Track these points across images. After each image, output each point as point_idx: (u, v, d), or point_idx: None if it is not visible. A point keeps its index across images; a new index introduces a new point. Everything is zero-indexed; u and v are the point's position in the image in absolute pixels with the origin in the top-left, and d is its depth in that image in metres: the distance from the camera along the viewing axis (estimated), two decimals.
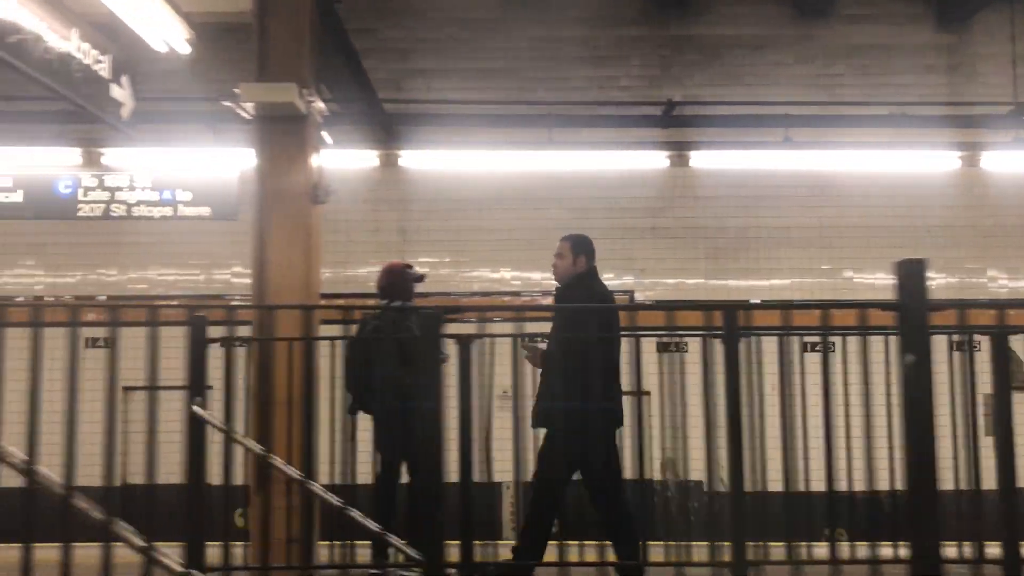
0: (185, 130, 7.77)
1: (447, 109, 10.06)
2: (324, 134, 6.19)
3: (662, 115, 9.64)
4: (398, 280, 5.45)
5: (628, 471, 4.66)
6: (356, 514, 4.51)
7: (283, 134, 5.78)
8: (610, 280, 10.27)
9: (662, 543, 4.54)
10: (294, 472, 4.46)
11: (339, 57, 7.09)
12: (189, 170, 7.42)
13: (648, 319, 6.42)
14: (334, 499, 4.39)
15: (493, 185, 10.27)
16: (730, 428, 4.33)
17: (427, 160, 10.27)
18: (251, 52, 5.96)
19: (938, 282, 10.39)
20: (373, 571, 4.83)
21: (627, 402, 4.66)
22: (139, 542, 2.76)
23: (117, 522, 2.83)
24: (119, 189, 7.23)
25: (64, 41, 3.87)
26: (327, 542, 4.89)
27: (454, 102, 10.09)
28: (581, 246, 4.89)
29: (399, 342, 5.20)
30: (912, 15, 10.59)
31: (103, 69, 4.23)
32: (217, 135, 7.62)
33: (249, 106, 5.62)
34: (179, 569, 2.77)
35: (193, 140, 7.76)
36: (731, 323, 4.56)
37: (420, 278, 5.56)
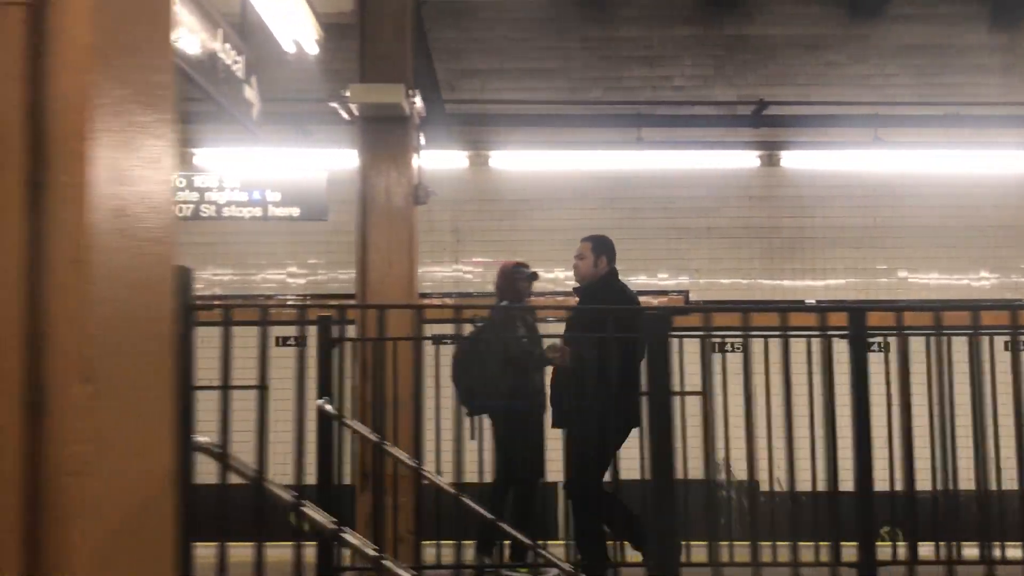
0: (274, 130, 7.75)
1: (502, 109, 10.06)
2: (421, 134, 6.19)
3: (752, 115, 9.62)
4: (508, 280, 5.45)
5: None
6: (481, 508, 4.51)
7: (386, 134, 5.76)
8: (664, 280, 10.38)
9: (786, 543, 4.53)
10: (412, 463, 4.47)
11: (420, 58, 7.08)
12: (278, 170, 7.40)
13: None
14: (450, 488, 4.40)
15: (547, 185, 10.25)
16: (857, 429, 4.32)
17: (481, 160, 10.27)
18: (345, 52, 5.95)
19: (991, 281, 10.44)
20: (486, 568, 4.84)
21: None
22: (371, 551, 2.75)
23: (345, 530, 2.82)
24: (208, 189, 7.20)
25: (212, 42, 3.86)
26: (429, 541, 4.90)
27: (508, 102, 10.08)
28: (602, 247, 4.88)
29: (504, 343, 5.19)
30: (966, 15, 10.60)
31: (239, 70, 4.22)
32: (305, 136, 7.64)
33: (353, 107, 5.60)
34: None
35: (282, 141, 7.75)
36: (859, 324, 4.58)
37: (533, 276, 5.56)
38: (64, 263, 1.26)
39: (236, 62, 4.20)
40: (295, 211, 7.25)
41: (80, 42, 1.36)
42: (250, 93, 4.35)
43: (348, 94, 5.49)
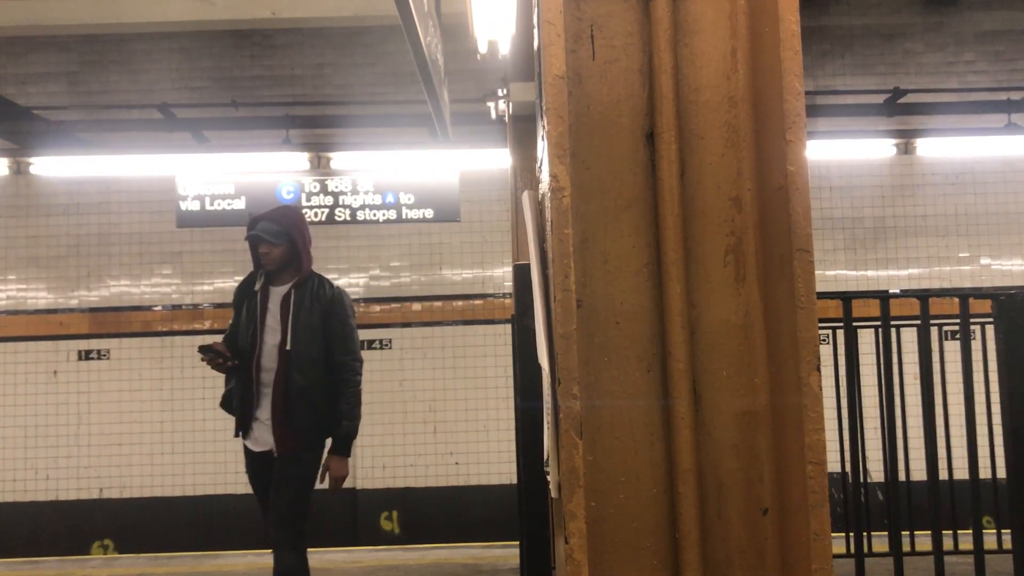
0: (405, 132, 7.76)
1: None
2: None
3: (884, 103, 9.62)
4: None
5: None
6: None
7: (532, 132, 5.75)
8: None
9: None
10: None
11: None
12: (410, 172, 7.38)
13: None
14: None
15: None
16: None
17: None
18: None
19: None
20: None
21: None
22: None
23: None
24: (342, 193, 7.18)
25: (432, 40, 3.85)
26: None
27: None
28: None
29: None
30: None
31: (440, 71, 4.21)
32: (435, 136, 7.65)
33: (506, 105, 5.59)
34: None
35: (412, 143, 7.74)
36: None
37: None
38: (791, 252, 1.25)
39: (437, 61, 4.19)
40: (428, 212, 7.24)
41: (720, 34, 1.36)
42: (445, 94, 4.34)
43: (508, 92, 5.47)
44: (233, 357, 3.84)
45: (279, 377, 3.76)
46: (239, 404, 3.88)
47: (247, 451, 3.92)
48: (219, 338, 4.08)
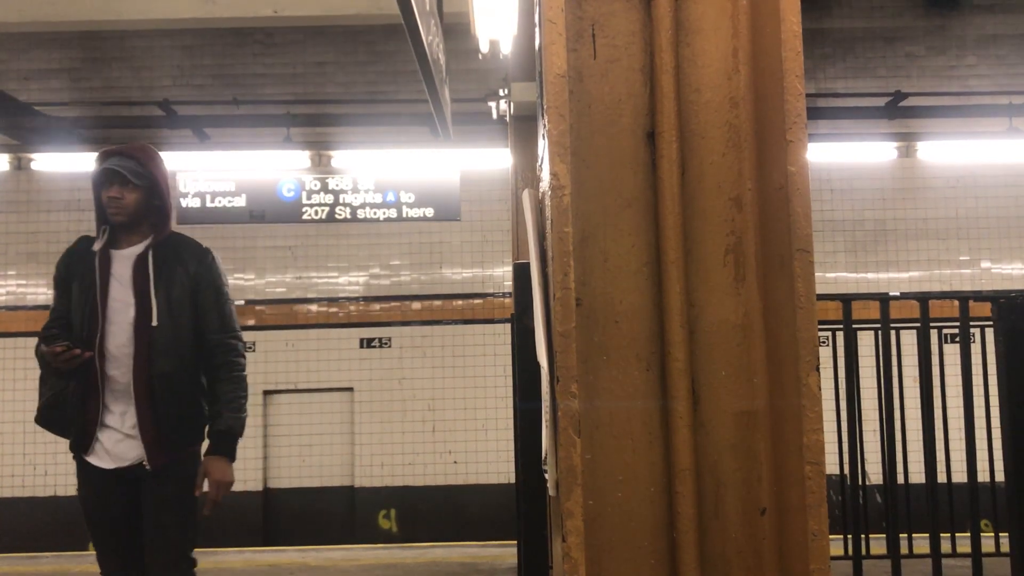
0: (406, 131, 7.77)
1: None
2: None
3: (885, 107, 9.64)
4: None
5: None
6: None
7: (533, 132, 5.78)
8: None
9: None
10: None
11: None
12: (411, 171, 7.40)
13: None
14: None
15: None
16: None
17: None
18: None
19: None
20: None
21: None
22: None
23: None
24: (343, 192, 7.20)
25: (434, 40, 3.85)
26: None
27: None
28: None
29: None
30: None
31: (442, 70, 4.22)
32: (436, 135, 7.67)
33: (507, 105, 5.60)
34: None
35: (413, 142, 7.76)
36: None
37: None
38: (791, 252, 1.26)
39: (438, 61, 4.19)
40: (429, 211, 7.25)
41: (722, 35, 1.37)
42: (446, 92, 4.34)
43: (510, 92, 5.48)
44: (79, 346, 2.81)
45: (139, 364, 2.82)
46: (77, 408, 2.88)
47: (90, 472, 2.96)
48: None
